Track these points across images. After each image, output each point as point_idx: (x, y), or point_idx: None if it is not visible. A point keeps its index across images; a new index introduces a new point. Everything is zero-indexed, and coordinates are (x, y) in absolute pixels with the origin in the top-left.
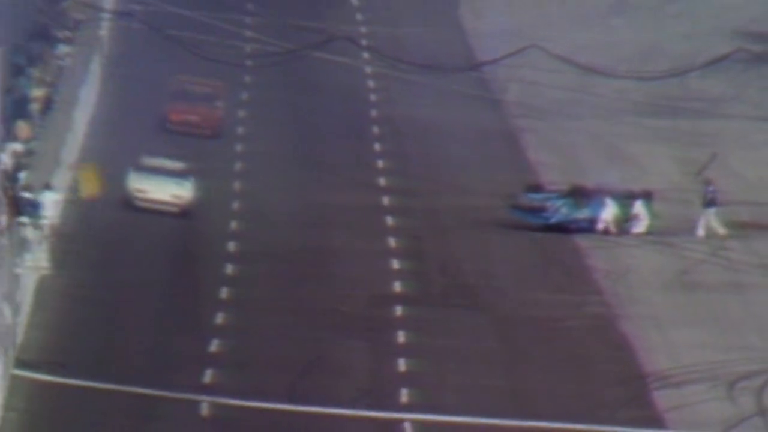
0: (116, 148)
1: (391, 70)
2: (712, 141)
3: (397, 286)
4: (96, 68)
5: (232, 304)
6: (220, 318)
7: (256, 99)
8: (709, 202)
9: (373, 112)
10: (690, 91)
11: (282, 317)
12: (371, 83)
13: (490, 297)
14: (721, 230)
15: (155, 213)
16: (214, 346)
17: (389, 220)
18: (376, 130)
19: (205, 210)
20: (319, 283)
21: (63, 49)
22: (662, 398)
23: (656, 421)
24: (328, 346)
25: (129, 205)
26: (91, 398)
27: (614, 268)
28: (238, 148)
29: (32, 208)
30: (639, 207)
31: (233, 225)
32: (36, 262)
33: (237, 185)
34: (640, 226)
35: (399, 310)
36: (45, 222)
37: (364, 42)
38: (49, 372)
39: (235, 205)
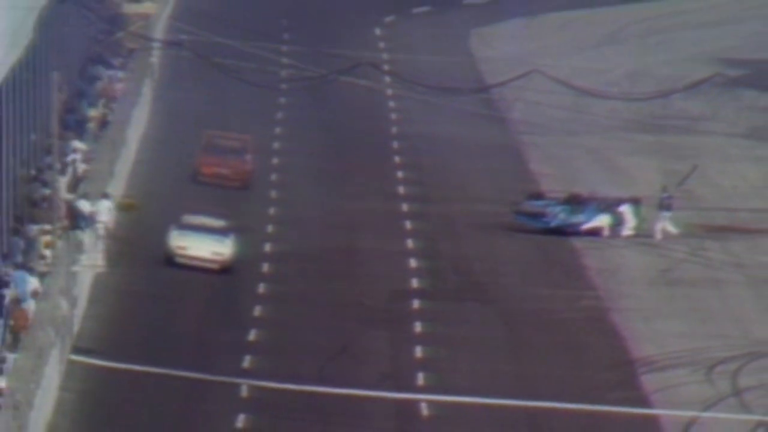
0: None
1: (409, 93)
2: (693, 154)
3: (415, 283)
4: (147, 91)
5: (268, 298)
6: (257, 311)
7: (290, 118)
8: (665, 207)
9: (394, 129)
10: (673, 111)
11: (312, 310)
12: (392, 104)
13: (496, 292)
14: (674, 231)
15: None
16: (252, 335)
17: (407, 224)
18: (395, 145)
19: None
20: (346, 280)
21: (118, 74)
22: (649, 381)
23: (643, 401)
24: (353, 335)
25: (170, 262)
26: (141, 381)
27: (606, 266)
28: (274, 161)
29: (83, 218)
30: (628, 212)
31: (269, 228)
32: (91, 262)
33: (273, 194)
34: (629, 229)
35: (416, 304)
36: (100, 226)
37: (385, 67)
38: (102, 357)
39: (272, 210)
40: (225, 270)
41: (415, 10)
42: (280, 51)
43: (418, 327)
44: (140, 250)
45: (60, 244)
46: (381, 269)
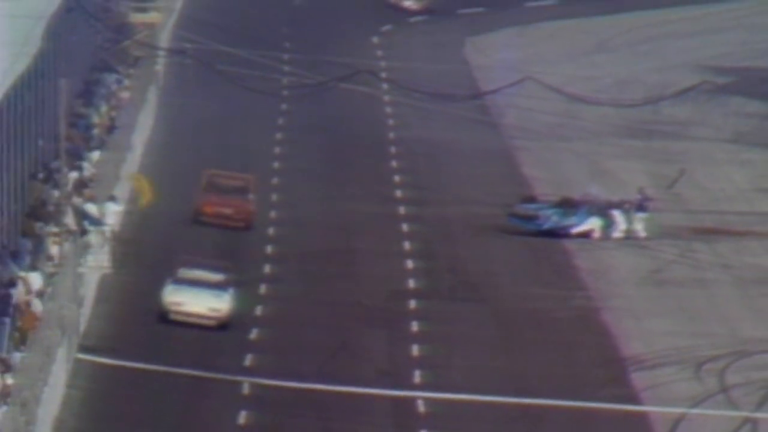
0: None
1: (406, 99)
2: (681, 159)
3: (412, 283)
4: (152, 98)
5: (270, 298)
6: (258, 310)
7: (291, 124)
8: (640, 209)
9: (391, 134)
10: (662, 117)
11: (312, 309)
12: (389, 110)
13: (491, 292)
14: (643, 233)
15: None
16: (253, 334)
17: (404, 227)
18: (393, 149)
19: None
20: (345, 280)
21: (124, 81)
22: (638, 379)
23: (633, 398)
24: (351, 334)
25: (164, 319)
26: (145, 379)
27: (597, 267)
28: (275, 165)
29: (90, 220)
30: (618, 215)
31: (271, 230)
32: (98, 263)
33: (274, 197)
34: (619, 232)
35: (413, 303)
36: (107, 228)
37: (383, 74)
38: (108, 356)
39: (272, 213)
40: (223, 327)
41: (412, 20)
42: (282, 59)
43: (414, 326)
44: (146, 252)
45: (67, 245)
46: (379, 270)
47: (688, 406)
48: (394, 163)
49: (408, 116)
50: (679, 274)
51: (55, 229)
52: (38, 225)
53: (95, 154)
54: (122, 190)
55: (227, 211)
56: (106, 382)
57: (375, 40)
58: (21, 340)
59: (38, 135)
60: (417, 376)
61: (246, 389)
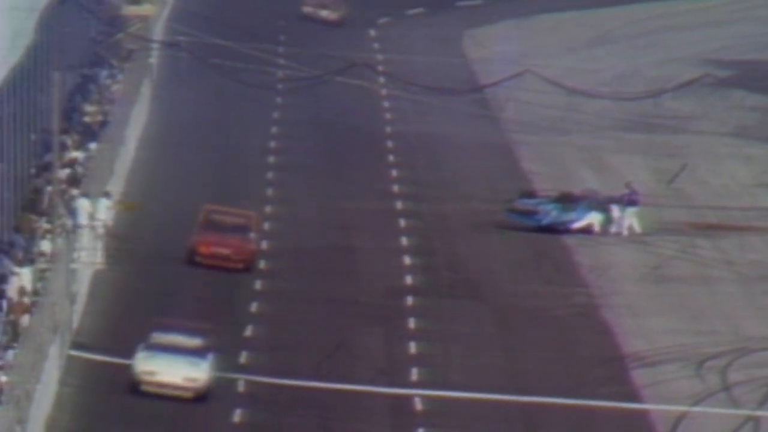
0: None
1: (403, 93)
2: (683, 153)
3: (409, 280)
4: (146, 91)
5: (265, 294)
6: (254, 307)
7: (286, 118)
8: (630, 203)
9: (388, 129)
10: (663, 110)
11: (309, 306)
12: (386, 104)
13: (489, 289)
14: (638, 228)
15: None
16: (248, 331)
17: (402, 222)
18: (390, 144)
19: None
20: (342, 277)
21: (117, 74)
22: (639, 376)
23: (634, 396)
24: (349, 331)
25: (135, 390)
26: None
27: (597, 263)
28: (271, 160)
29: (82, 216)
30: (618, 211)
31: (266, 226)
32: (90, 259)
33: (270, 192)
34: (625, 229)
35: (410, 301)
36: (100, 224)
37: (380, 68)
38: (101, 353)
39: (268, 209)
40: (200, 399)
41: (409, 12)
42: (277, 52)
43: (412, 323)
44: (138, 248)
45: (59, 241)
46: (376, 267)
47: (689, 404)
48: (391, 158)
49: (405, 110)
50: (681, 270)
51: (47, 225)
52: (33, 218)
53: (89, 147)
54: (115, 185)
55: (225, 251)
56: (98, 379)
57: (372, 32)
58: (13, 337)
59: (30, 129)
60: (415, 374)
61: (241, 387)
